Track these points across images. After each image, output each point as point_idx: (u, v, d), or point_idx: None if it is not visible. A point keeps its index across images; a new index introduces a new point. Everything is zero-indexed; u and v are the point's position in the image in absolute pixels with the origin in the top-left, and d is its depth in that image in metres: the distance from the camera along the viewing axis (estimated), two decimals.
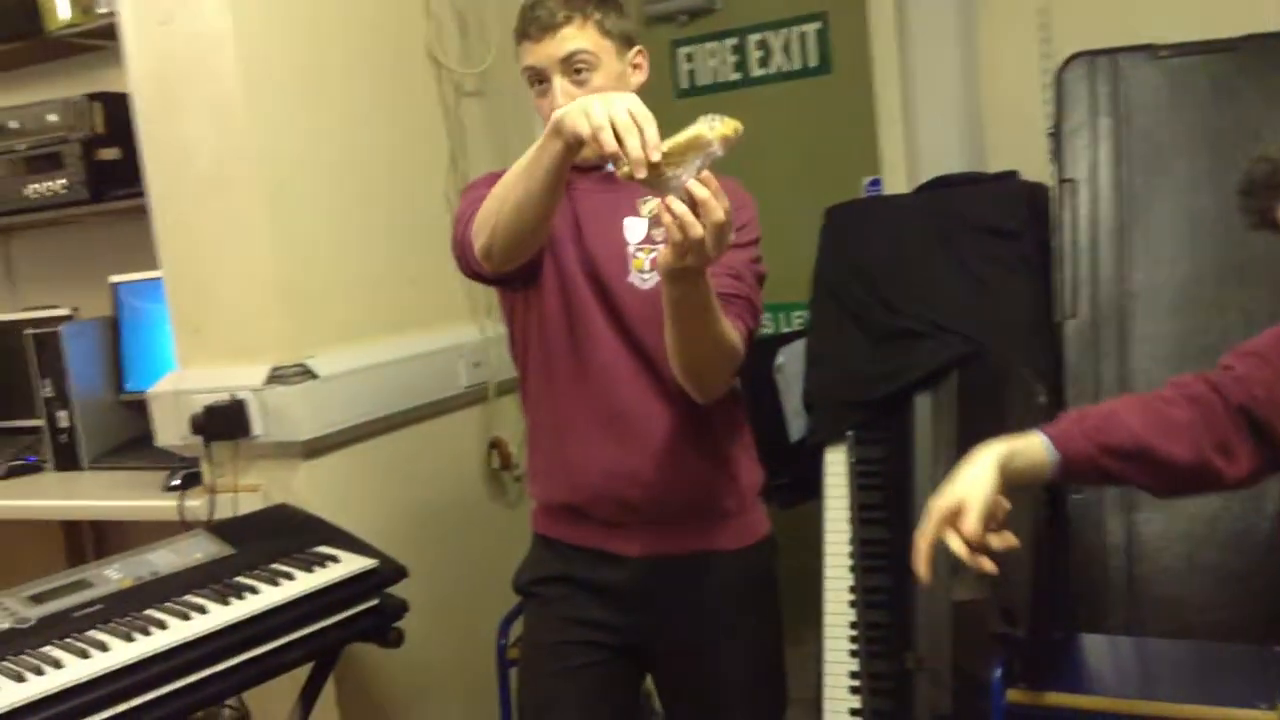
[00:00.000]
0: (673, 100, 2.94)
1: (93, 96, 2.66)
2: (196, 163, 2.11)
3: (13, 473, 2.70)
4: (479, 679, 2.33)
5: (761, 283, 1.67)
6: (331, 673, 2.02)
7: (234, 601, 1.78)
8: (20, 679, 1.54)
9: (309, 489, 2.15)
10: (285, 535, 2.00)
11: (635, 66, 1.69)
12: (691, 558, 1.74)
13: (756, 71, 2.85)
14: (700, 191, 1.29)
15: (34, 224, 2.85)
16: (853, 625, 2.13)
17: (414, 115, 2.43)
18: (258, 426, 2.12)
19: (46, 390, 2.67)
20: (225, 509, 2.17)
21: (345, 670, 2.12)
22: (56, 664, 1.58)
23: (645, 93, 3.01)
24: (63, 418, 2.67)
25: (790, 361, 2.35)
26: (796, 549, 2.45)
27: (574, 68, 1.62)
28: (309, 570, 1.89)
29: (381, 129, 2.34)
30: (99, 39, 2.66)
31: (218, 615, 1.74)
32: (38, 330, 2.68)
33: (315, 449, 2.16)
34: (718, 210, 1.30)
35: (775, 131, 2.84)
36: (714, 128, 1.27)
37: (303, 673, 1.98)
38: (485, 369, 2.48)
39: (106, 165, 2.63)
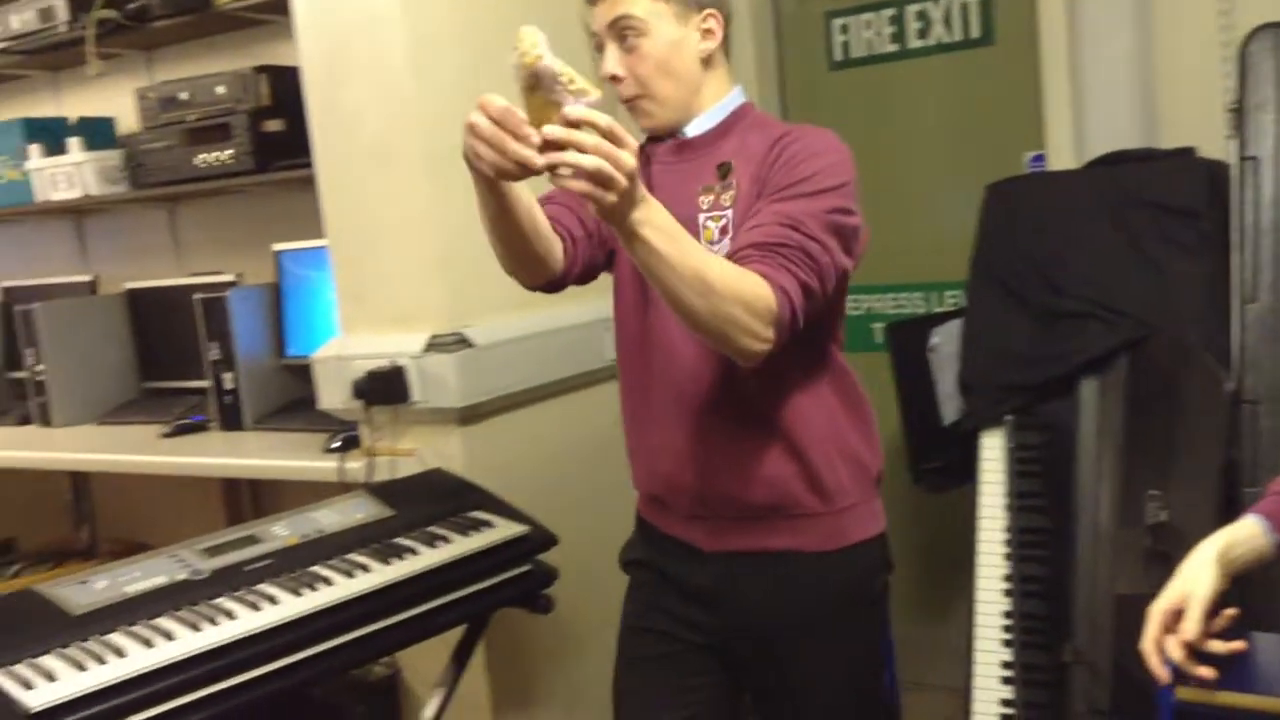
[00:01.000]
0: (826, 73, 2.88)
1: (260, 69, 2.75)
2: (362, 134, 2.16)
3: (180, 431, 2.82)
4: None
5: (844, 235, 1.49)
6: (482, 636, 2.06)
7: (394, 562, 1.83)
8: (196, 628, 1.61)
9: (462, 454, 2.19)
10: (441, 499, 2.05)
11: (706, 32, 1.59)
12: (768, 557, 1.64)
13: (914, 43, 2.77)
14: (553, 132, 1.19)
15: (201, 193, 2.96)
16: (1007, 615, 2.07)
17: None
18: (416, 392, 2.17)
19: (213, 353, 2.78)
20: (382, 472, 2.23)
21: (492, 634, 2.15)
22: (230, 615, 1.65)
23: (797, 66, 2.95)
24: (228, 379, 2.77)
25: (945, 342, 2.28)
26: (944, 533, 2.40)
27: (621, 33, 1.57)
28: (464, 534, 1.93)
29: None
30: (267, 13, 2.74)
31: (379, 574, 1.80)
32: (206, 295, 2.79)
33: (469, 416, 2.20)
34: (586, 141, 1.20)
35: (933, 106, 2.76)
36: (526, 50, 1.18)
37: (451, 634, 2.02)
38: None
39: (272, 136, 2.72)
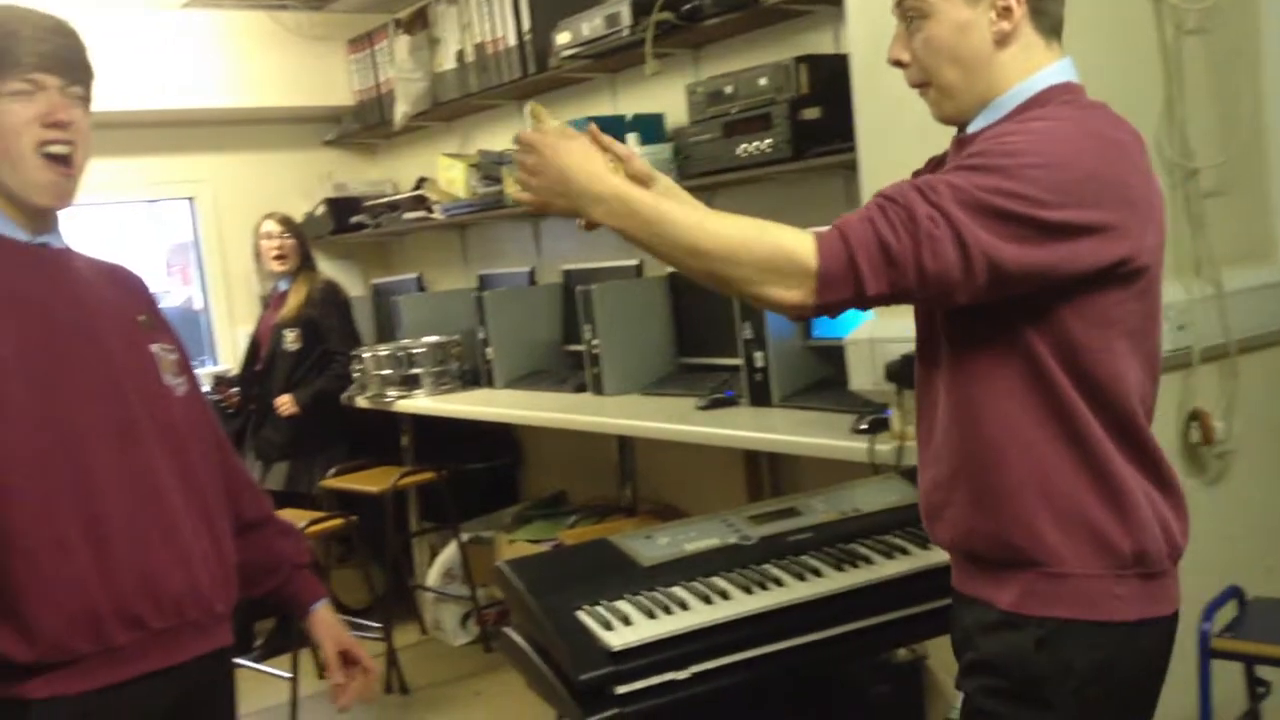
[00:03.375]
0: None
1: (800, 59, 2.85)
2: (906, 115, 2.15)
3: (714, 404, 3.01)
4: (1180, 664, 2.17)
5: (999, 216, 1.26)
6: None
7: (931, 548, 1.82)
8: (748, 591, 1.71)
9: None
10: None
11: (1001, 11, 1.37)
12: (972, 602, 1.43)
13: None
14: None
15: (739, 181, 3.13)
16: None
17: (1127, 54, 2.27)
18: None
19: (746, 333, 2.94)
20: (911, 456, 2.23)
21: None
22: (778, 582, 1.74)
23: None
24: (759, 358, 2.92)
25: None
26: None
27: (906, 15, 1.42)
28: None
29: (1093, 69, 2.21)
30: (807, 4, 2.84)
31: (918, 558, 1.80)
32: None
33: None
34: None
35: None
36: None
37: None
38: (1190, 333, 2.27)
39: (808, 124, 2.80)
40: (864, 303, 1.31)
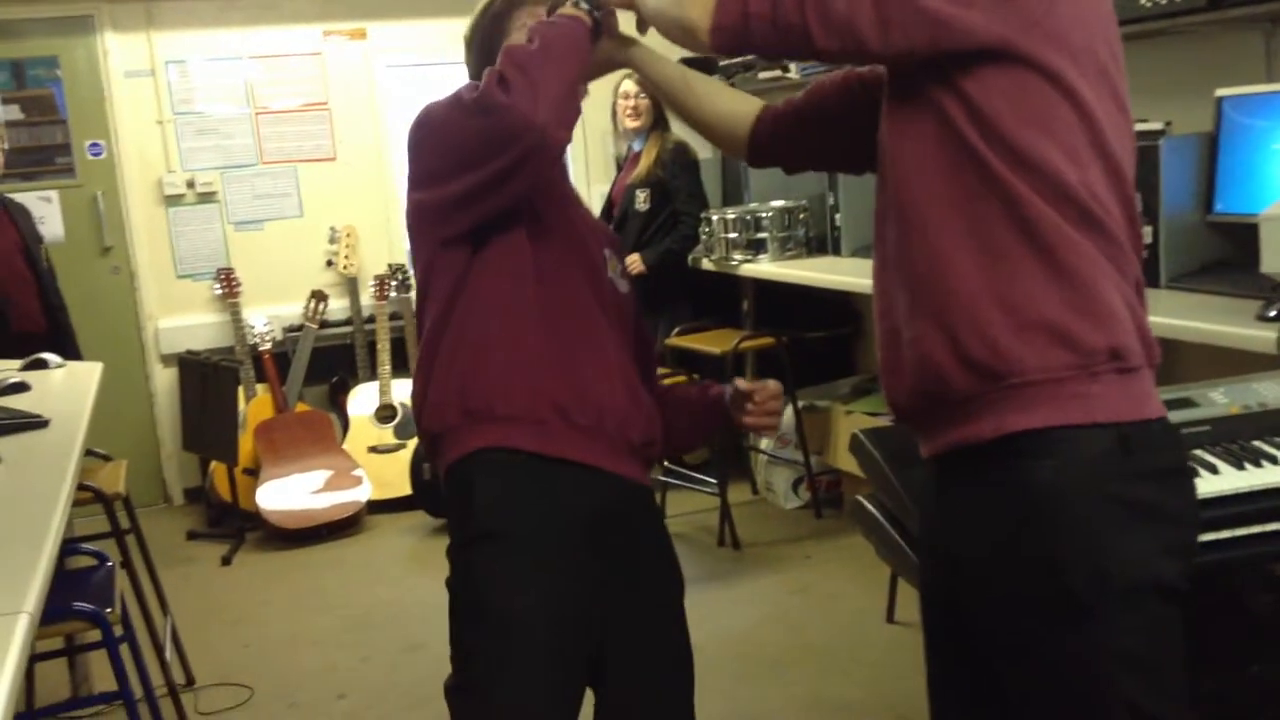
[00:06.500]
0: None
1: None
2: None
3: None
4: None
5: None
6: None
7: None
8: None
9: None
10: None
11: None
12: (946, 460, 1.33)
13: None
14: None
15: (1139, 35, 2.79)
16: None
17: None
18: None
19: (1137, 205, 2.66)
20: None
21: None
22: None
23: None
24: (1147, 234, 2.64)
25: None
26: None
27: None
28: None
29: None
30: None
31: None
32: (1138, 144, 2.66)
33: None
34: None
35: None
36: None
37: None
38: None
39: None
40: (750, 31, 1.29)
